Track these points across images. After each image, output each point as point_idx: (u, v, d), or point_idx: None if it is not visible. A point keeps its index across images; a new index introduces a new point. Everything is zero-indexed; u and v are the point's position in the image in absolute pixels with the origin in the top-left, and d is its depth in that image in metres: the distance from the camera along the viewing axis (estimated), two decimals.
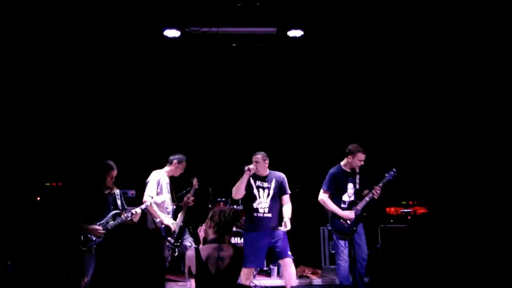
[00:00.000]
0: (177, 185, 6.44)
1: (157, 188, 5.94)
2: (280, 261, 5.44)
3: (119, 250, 2.06)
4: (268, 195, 5.42)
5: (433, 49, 6.90)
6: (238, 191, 5.38)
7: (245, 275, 5.24)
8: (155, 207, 5.81)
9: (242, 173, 5.39)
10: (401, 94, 7.80)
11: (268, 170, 5.52)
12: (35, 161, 7.03)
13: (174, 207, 6.15)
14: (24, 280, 5.49)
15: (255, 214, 5.38)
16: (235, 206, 7.04)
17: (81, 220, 5.09)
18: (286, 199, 5.51)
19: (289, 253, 5.35)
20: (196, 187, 6.29)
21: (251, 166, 5.35)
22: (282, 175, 5.56)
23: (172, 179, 6.22)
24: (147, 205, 5.65)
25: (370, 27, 6.63)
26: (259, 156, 5.45)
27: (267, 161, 5.49)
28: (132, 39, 6.77)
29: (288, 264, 5.32)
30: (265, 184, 5.44)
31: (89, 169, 5.60)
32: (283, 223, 5.34)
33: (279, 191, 5.47)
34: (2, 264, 5.57)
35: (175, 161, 6.12)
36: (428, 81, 7.50)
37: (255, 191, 5.43)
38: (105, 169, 5.30)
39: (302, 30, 6.64)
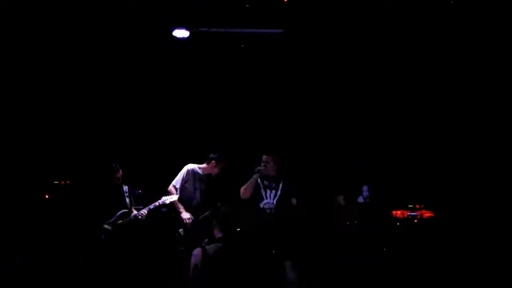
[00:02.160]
0: None
1: (182, 181, 5.96)
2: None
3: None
4: (275, 196, 5.38)
5: (438, 51, 6.89)
6: (246, 191, 5.39)
7: None
8: (174, 198, 5.82)
9: (252, 172, 5.40)
10: (408, 97, 7.78)
11: (278, 170, 5.47)
12: (43, 159, 7.07)
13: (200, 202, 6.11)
14: (32, 276, 5.53)
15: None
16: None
17: (91, 219, 5.14)
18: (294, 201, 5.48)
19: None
20: None
21: (261, 168, 5.36)
22: (292, 177, 5.52)
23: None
24: (157, 204, 5.66)
25: (377, 27, 6.64)
26: (270, 157, 5.43)
27: (279, 162, 5.45)
28: (141, 39, 6.81)
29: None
30: (273, 185, 5.41)
31: (95, 169, 5.63)
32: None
33: (288, 193, 5.43)
34: (11, 261, 5.61)
35: (213, 161, 6.10)
36: (436, 84, 7.48)
37: (262, 191, 5.42)
38: (110, 171, 5.35)
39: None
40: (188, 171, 5.99)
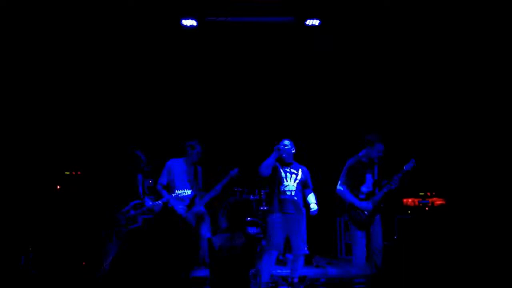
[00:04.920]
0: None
1: (166, 176, 6.07)
2: (294, 254, 5.51)
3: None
4: (296, 180, 5.48)
5: (445, 39, 6.82)
6: (267, 167, 5.38)
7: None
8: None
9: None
10: (419, 83, 7.70)
11: (293, 159, 5.59)
12: (55, 149, 7.13)
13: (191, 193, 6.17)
14: (44, 265, 5.60)
15: (282, 197, 5.40)
16: (251, 196, 7.04)
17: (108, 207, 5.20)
18: (308, 192, 5.63)
19: (305, 248, 5.41)
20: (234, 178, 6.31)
21: (280, 147, 5.42)
22: (306, 169, 5.64)
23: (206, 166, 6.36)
24: (161, 203, 5.72)
25: (388, 16, 6.59)
26: (287, 142, 5.53)
27: (294, 150, 5.56)
28: (150, 29, 6.81)
29: (298, 259, 5.44)
30: (293, 170, 5.52)
31: (121, 157, 5.65)
32: (311, 207, 5.53)
33: (305, 181, 5.57)
34: (23, 251, 5.68)
35: (187, 148, 6.20)
36: (448, 70, 7.41)
37: (283, 174, 5.46)
38: (136, 159, 5.40)
39: (319, 19, 6.63)
40: (167, 166, 6.24)
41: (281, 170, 5.47)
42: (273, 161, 5.39)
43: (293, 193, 5.41)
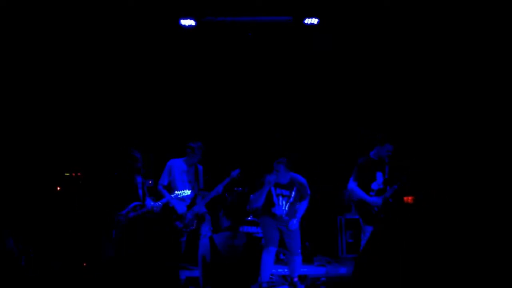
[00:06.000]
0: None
1: (167, 176, 6.09)
2: (289, 256, 5.65)
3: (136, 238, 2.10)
4: (288, 201, 5.57)
5: (445, 38, 6.82)
6: (258, 201, 5.54)
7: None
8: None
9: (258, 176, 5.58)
10: (420, 83, 7.70)
11: (289, 174, 5.59)
12: (55, 151, 7.14)
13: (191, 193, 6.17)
14: (45, 266, 5.61)
15: (274, 216, 5.56)
16: (251, 196, 7.04)
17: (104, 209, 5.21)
18: (303, 205, 5.69)
19: (299, 251, 5.56)
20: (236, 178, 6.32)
21: (271, 178, 5.46)
22: (303, 180, 5.67)
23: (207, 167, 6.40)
24: (161, 204, 5.70)
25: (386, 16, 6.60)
26: (281, 165, 5.53)
27: (289, 168, 5.57)
28: (148, 28, 6.82)
29: (294, 260, 5.57)
30: (286, 192, 5.59)
31: (118, 158, 5.66)
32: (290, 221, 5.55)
33: (299, 196, 5.65)
34: (24, 252, 5.69)
35: (187, 149, 6.21)
36: (449, 69, 7.40)
37: (275, 198, 5.57)
38: (133, 160, 5.40)
39: (318, 18, 6.63)
40: (169, 166, 6.23)
41: (274, 194, 5.56)
42: (265, 194, 5.50)
43: (284, 214, 5.55)
